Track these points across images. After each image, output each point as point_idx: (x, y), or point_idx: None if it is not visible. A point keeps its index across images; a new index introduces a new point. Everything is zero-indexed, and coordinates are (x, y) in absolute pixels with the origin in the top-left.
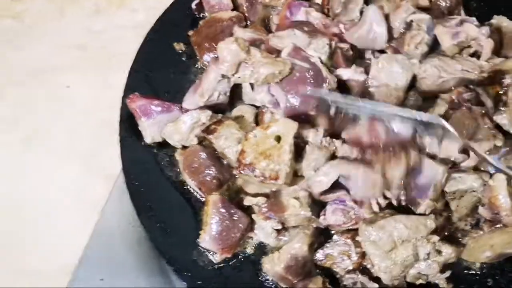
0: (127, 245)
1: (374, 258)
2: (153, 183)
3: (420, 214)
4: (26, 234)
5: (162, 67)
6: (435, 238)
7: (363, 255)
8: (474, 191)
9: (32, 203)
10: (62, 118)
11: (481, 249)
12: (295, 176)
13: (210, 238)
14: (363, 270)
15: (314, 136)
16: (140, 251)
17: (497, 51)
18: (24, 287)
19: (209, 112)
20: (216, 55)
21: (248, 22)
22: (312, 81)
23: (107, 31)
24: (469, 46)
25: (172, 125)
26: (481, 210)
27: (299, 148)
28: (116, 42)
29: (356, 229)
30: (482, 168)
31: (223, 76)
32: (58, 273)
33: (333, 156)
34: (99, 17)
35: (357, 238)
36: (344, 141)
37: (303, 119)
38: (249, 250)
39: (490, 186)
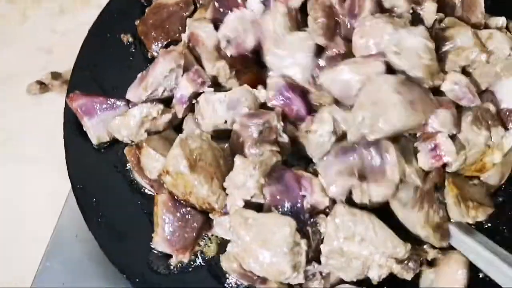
0: (87, 254)
1: (327, 237)
2: (102, 186)
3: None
4: None
5: (108, 62)
6: (395, 266)
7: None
8: None
9: (3, 213)
10: (35, 124)
11: None
12: None
13: (163, 240)
14: None
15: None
16: (101, 259)
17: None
18: None
19: (160, 106)
20: (165, 46)
21: (198, 6)
22: None
23: (73, 30)
24: None
25: (119, 119)
26: None
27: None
28: None
29: None
30: None
31: (171, 70)
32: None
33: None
34: (64, 17)
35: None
36: None
37: None
38: (211, 248)
39: None
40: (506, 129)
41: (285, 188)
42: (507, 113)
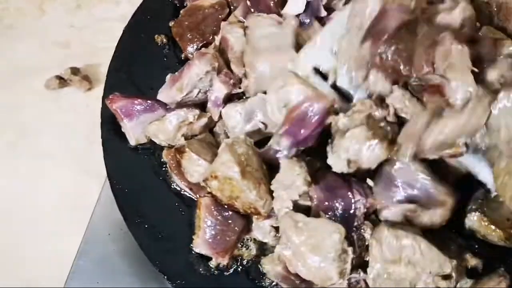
0: (120, 252)
1: (372, 261)
2: (140, 186)
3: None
4: (18, 241)
5: (143, 62)
6: (441, 282)
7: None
8: None
9: (21, 209)
10: (50, 119)
11: None
12: None
13: (204, 243)
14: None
15: None
16: (134, 257)
17: None
18: None
19: (196, 111)
20: (200, 48)
21: (232, 8)
22: None
23: (90, 26)
24: None
25: (157, 124)
26: None
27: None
28: (100, 36)
29: None
30: None
31: (207, 72)
32: (50, 283)
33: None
34: (81, 12)
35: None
36: None
37: None
38: (250, 252)
39: None
40: None
41: (334, 193)
42: None
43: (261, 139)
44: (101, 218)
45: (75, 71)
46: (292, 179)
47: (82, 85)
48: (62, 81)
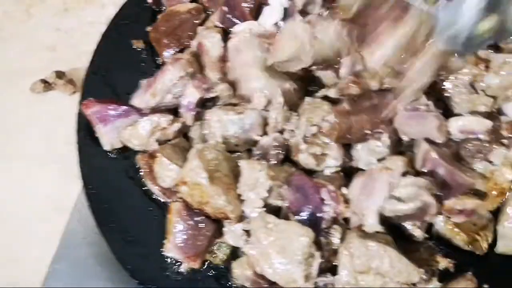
0: (96, 256)
1: (341, 269)
2: (114, 191)
3: (413, 259)
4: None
5: (121, 67)
6: None
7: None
8: None
9: (4, 214)
10: (38, 122)
11: None
12: None
13: (175, 247)
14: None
15: None
16: (110, 261)
17: None
18: None
19: (169, 117)
20: (176, 53)
21: (210, 13)
22: None
23: (77, 29)
24: None
25: (130, 129)
26: None
27: None
28: (87, 40)
29: None
30: None
31: (180, 78)
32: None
33: None
34: (68, 15)
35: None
36: None
37: None
38: (222, 256)
39: None
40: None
41: (305, 196)
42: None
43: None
44: (78, 222)
45: (60, 74)
46: (255, 178)
47: (66, 89)
48: (47, 84)
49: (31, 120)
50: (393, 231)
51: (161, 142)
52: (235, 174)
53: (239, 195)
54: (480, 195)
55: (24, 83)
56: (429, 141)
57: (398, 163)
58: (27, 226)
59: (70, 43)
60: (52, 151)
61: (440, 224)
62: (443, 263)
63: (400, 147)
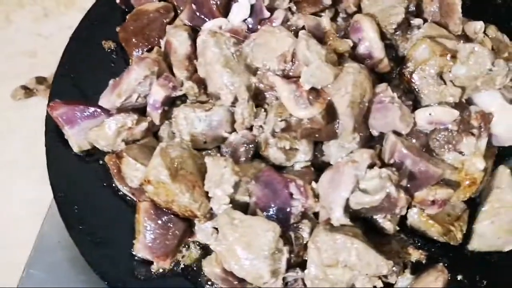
0: (70, 260)
1: (310, 263)
2: (83, 193)
3: (383, 252)
4: None
5: (90, 68)
6: (377, 282)
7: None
8: None
9: None
10: (18, 128)
11: None
12: None
13: (144, 247)
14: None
15: None
16: (84, 264)
17: None
18: None
19: (134, 116)
20: (141, 53)
21: (179, 12)
22: None
23: (57, 34)
24: None
25: (96, 130)
26: None
27: None
28: None
29: None
30: None
31: (145, 77)
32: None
33: None
34: (48, 20)
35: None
36: None
37: None
38: (192, 254)
39: None
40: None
41: (273, 191)
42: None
43: None
44: (52, 226)
45: (40, 80)
46: (220, 174)
47: (47, 94)
48: (27, 91)
49: (11, 126)
50: (364, 224)
51: (129, 142)
52: (203, 172)
53: (207, 193)
54: (452, 185)
55: (5, 89)
56: (398, 133)
57: (364, 155)
58: (1, 231)
59: (51, 49)
60: (32, 157)
61: (414, 216)
62: (415, 255)
63: (371, 141)
